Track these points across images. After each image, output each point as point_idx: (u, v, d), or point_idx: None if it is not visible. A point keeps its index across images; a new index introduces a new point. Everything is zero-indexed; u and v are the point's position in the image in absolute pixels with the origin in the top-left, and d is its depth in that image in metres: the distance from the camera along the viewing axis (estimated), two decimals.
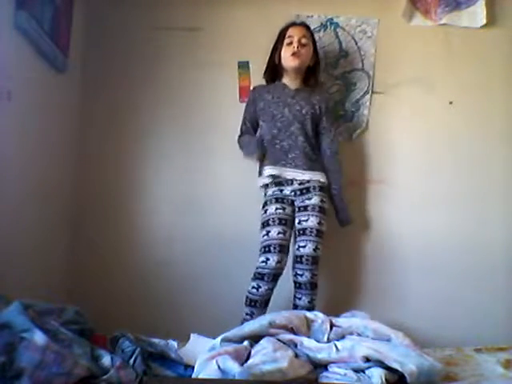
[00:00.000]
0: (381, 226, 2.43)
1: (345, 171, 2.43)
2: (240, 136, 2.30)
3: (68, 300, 1.99)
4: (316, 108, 2.22)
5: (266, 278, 2.06)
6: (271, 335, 1.59)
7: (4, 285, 1.60)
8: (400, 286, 2.40)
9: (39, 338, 1.22)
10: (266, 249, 2.08)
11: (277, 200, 2.17)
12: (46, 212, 2.09)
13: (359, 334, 1.63)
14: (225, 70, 2.43)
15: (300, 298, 2.09)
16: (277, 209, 2.14)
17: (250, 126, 2.29)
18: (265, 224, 2.14)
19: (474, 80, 2.48)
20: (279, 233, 2.09)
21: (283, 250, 2.09)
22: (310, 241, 2.10)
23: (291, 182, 2.18)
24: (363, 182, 2.44)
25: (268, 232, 2.11)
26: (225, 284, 2.27)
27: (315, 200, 2.16)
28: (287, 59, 2.19)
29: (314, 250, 2.09)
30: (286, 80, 2.25)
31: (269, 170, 2.17)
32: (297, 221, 2.16)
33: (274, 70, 2.27)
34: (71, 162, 2.35)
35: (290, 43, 2.18)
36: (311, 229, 2.11)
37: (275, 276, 2.07)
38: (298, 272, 2.09)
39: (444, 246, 2.41)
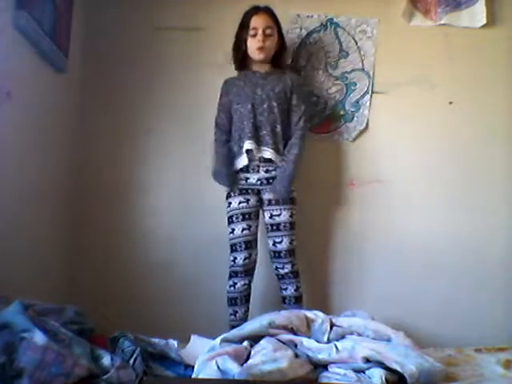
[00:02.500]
0: (380, 225, 2.43)
1: (345, 171, 2.44)
2: (216, 128, 2.22)
3: (68, 300, 1.99)
4: (287, 86, 2.19)
5: (238, 275, 2.12)
6: (271, 335, 1.59)
7: (4, 285, 1.60)
8: (399, 285, 2.40)
9: (39, 338, 1.22)
10: (233, 247, 2.13)
11: (240, 191, 2.15)
12: (46, 212, 2.09)
13: (359, 334, 1.63)
14: (225, 70, 2.42)
15: (286, 289, 2.14)
16: (240, 202, 2.14)
17: (224, 117, 2.21)
18: (229, 220, 2.15)
19: (474, 80, 2.48)
20: (243, 229, 2.12)
21: (249, 245, 2.13)
22: (285, 235, 2.12)
23: (258, 168, 2.15)
24: (363, 181, 2.44)
25: (233, 230, 2.13)
26: (225, 284, 2.26)
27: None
28: (253, 52, 2.17)
29: (290, 243, 2.12)
30: (255, 67, 2.24)
31: (246, 145, 2.11)
32: (268, 215, 2.15)
33: (242, 57, 2.23)
34: (71, 161, 2.35)
35: (255, 35, 2.14)
36: (285, 223, 2.13)
37: (247, 271, 2.13)
38: (278, 266, 2.14)
39: (444, 246, 2.42)
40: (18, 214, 1.81)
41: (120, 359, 1.39)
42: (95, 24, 2.43)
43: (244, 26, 2.17)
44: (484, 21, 2.44)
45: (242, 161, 2.15)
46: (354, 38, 2.47)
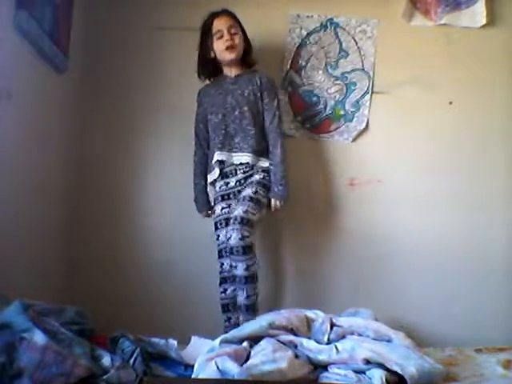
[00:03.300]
0: (380, 225, 2.43)
1: (344, 171, 2.44)
2: (195, 138, 2.26)
3: (68, 300, 1.98)
4: (257, 85, 2.18)
5: (227, 281, 2.09)
6: (271, 336, 1.59)
7: (4, 285, 1.60)
8: (399, 286, 2.40)
9: (39, 337, 1.22)
10: (220, 254, 2.13)
11: (222, 198, 2.17)
12: (46, 212, 2.09)
13: (360, 334, 1.63)
14: None
15: (238, 294, 2.01)
16: (222, 208, 2.15)
17: (203, 126, 2.24)
18: (215, 227, 2.16)
19: (474, 80, 2.48)
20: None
21: None
22: (242, 205, 2.01)
23: (235, 171, 2.15)
24: (363, 181, 2.44)
25: (218, 236, 2.13)
26: None
27: (248, 190, 2.08)
28: (223, 53, 2.15)
29: (244, 212, 1.98)
30: (225, 71, 2.23)
31: (216, 156, 2.13)
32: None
33: (208, 66, 2.23)
34: (71, 161, 2.35)
35: (221, 37, 2.14)
36: (244, 197, 2.05)
37: (236, 277, 2.06)
38: (233, 264, 1.99)
39: (444, 246, 2.41)
40: (17, 214, 1.81)
41: (120, 359, 1.40)
42: (95, 24, 2.43)
43: (207, 33, 2.18)
44: (484, 21, 2.44)
45: (216, 173, 2.17)
46: (354, 38, 2.47)
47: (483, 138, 2.48)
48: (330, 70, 2.48)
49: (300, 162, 2.33)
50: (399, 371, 1.40)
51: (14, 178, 1.78)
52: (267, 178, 2.15)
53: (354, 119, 2.46)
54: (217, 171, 2.17)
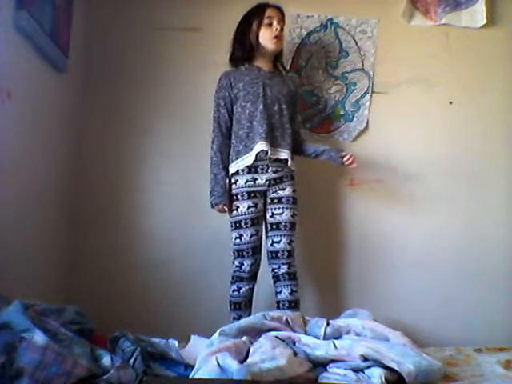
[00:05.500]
0: (380, 225, 2.43)
1: (344, 171, 2.44)
2: (215, 123, 2.11)
3: (68, 300, 1.99)
4: (292, 90, 2.18)
5: (244, 280, 2.08)
6: (268, 329, 1.59)
7: (4, 285, 1.60)
8: (399, 285, 2.40)
9: (39, 338, 1.22)
10: (240, 253, 2.07)
11: (249, 195, 2.06)
12: (46, 212, 2.09)
13: (357, 334, 1.63)
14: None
15: (280, 292, 2.05)
16: (249, 207, 2.05)
17: (225, 112, 2.11)
18: (237, 225, 2.06)
19: (474, 80, 2.48)
20: (252, 235, 2.05)
21: (256, 251, 2.08)
22: (284, 235, 2.06)
23: (267, 168, 2.07)
24: (363, 181, 2.44)
25: (241, 235, 2.05)
26: (224, 284, 2.27)
27: (289, 191, 2.10)
28: (269, 41, 2.11)
29: (288, 243, 2.06)
30: (258, 63, 2.17)
31: (259, 146, 2.03)
32: (269, 213, 2.09)
33: (245, 50, 2.14)
34: (71, 161, 2.35)
35: (270, 24, 2.10)
36: (285, 223, 2.07)
37: (253, 276, 2.09)
38: (275, 267, 2.07)
39: (443, 246, 2.42)
40: (16, 214, 1.81)
41: (120, 359, 1.40)
42: (95, 24, 2.43)
43: (256, 18, 2.12)
44: (484, 21, 2.44)
45: (247, 160, 2.06)
46: (353, 38, 2.47)
47: (483, 137, 2.48)
48: (330, 70, 2.48)
49: (300, 161, 2.33)
50: (396, 368, 1.41)
51: (13, 178, 1.78)
52: (296, 188, 2.13)
53: (354, 119, 2.47)
54: (251, 159, 2.05)
